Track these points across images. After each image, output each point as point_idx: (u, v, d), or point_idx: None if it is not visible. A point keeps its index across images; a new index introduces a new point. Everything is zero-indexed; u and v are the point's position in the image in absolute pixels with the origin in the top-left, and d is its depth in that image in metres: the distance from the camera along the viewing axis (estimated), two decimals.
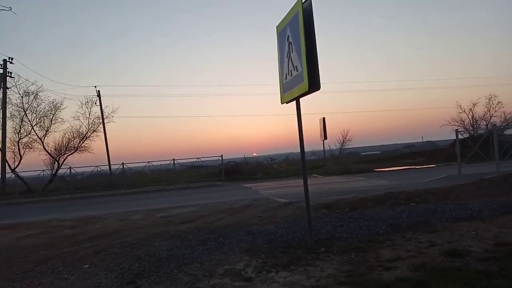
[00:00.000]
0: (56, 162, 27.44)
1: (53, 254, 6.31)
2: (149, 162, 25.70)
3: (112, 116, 30.72)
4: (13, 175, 25.31)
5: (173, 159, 24.66)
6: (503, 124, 29.13)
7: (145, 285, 4.25)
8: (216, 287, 4.05)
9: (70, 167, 24.83)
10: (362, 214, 7.35)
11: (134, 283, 4.35)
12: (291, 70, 5.44)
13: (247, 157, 42.71)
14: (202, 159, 26.71)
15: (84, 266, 5.24)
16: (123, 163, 25.06)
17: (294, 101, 5.58)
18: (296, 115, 5.57)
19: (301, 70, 5.00)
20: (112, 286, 4.32)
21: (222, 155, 25.10)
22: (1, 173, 26.00)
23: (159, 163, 26.86)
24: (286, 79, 5.68)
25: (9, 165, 26.28)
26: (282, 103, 5.94)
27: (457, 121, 32.56)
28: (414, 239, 5.31)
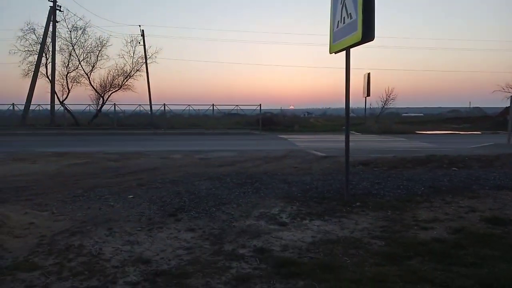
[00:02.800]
0: (101, 98, 28.47)
1: (100, 182, 6.73)
2: (189, 105, 26.17)
3: (155, 57, 31.03)
4: (62, 108, 26.63)
5: (213, 104, 24.94)
6: None
7: (185, 219, 4.49)
8: (251, 227, 4.21)
9: (114, 103, 25.76)
10: (401, 174, 7.24)
11: (175, 215, 4.60)
12: (344, 18, 5.18)
13: (284, 109, 42.42)
14: (240, 107, 26.84)
15: (129, 196, 5.57)
16: (164, 104, 25.63)
17: (344, 52, 5.37)
18: (344, 67, 5.38)
19: (356, 18, 4.75)
20: (154, 216, 4.59)
21: (260, 105, 25.10)
22: (50, 105, 27.38)
23: (198, 107, 27.29)
24: (337, 27, 5.43)
25: (58, 97, 27.54)
26: (330, 53, 5.74)
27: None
28: (454, 203, 5.21)
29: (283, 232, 4.05)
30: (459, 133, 23.54)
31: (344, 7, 5.18)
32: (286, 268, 3.07)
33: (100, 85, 28.48)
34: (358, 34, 4.72)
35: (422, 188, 6.07)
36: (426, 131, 24.46)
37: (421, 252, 3.38)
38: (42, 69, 27.02)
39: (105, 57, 28.59)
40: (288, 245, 3.66)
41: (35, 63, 26.60)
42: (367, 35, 4.64)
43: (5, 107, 25.54)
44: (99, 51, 28.11)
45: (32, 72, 26.64)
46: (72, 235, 3.90)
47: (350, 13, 4.98)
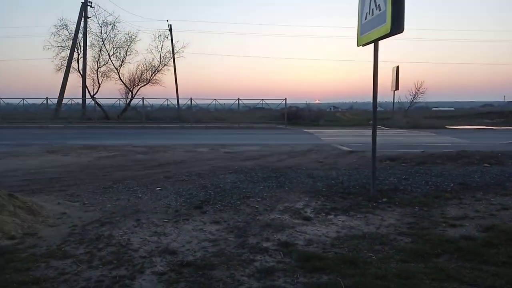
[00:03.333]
0: (130, 92, 29.08)
1: (128, 175, 6.91)
2: (215, 99, 26.38)
3: (183, 51, 31.39)
4: (92, 102, 27.42)
5: (238, 99, 25.02)
6: None
7: (211, 212, 4.55)
8: (275, 221, 4.22)
9: (143, 98, 26.27)
10: (429, 170, 7.07)
11: (200, 208, 4.67)
12: (372, 9, 5.07)
13: (310, 103, 42.00)
14: (265, 101, 26.81)
15: (156, 189, 5.70)
16: (191, 98, 25.92)
17: (372, 44, 5.26)
18: (372, 60, 5.28)
19: (384, 10, 4.64)
20: (181, 208, 4.68)
21: (285, 99, 24.99)
22: (82, 99, 28.24)
23: (224, 101, 27.44)
24: (365, 19, 5.33)
25: (89, 91, 28.36)
26: (358, 46, 5.64)
27: None
28: (485, 200, 5.05)
29: (307, 227, 4.04)
30: (492, 128, 22.70)
31: None
32: (310, 262, 3.07)
33: (129, 80, 29.10)
34: (387, 26, 4.61)
35: (452, 185, 5.91)
36: (457, 126, 23.73)
37: (449, 250, 3.31)
38: (74, 64, 27.90)
39: (134, 52, 29.17)
40: (312, 239, 3.66)
41: (67, 58, 27.47)
42: (396, 27, 4.54)
43: (39, 101, 26.52)
44: (128, 46, 28.71)
45: (65, 67, 27.54)
46: (102, 226, 4.03)
47: (379, 5, 4.87)
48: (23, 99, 26.17)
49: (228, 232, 3.85)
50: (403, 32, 4.61)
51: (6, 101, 26.94)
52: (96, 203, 4.97)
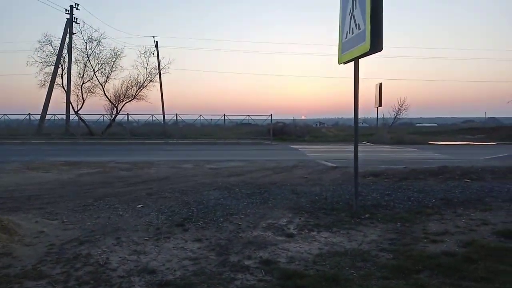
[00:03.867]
0: (115, 108, 28.87)
1: (110, 192, 6.80)
2: (201, 115, 26.38)
3: (168, 68, 31.47)
4: (76, 117, 27.09)
5: (224, 114, 25.08)
6: None
7: (193, 229, 4.49)
8: (258, 238, 4.19)
9: (127, 113, 26.11)
10: (411, 185, 7.15)
11: (182, 226, 4.61)
12: (352, 28, 5.19)
13: (296, 119, 42.35)
14: (251, 117, 26.91)
15: (138, 206, 5.61)
16: (176, 114, 25.90)
17: (352, 62, 5.36)
18: (353, 77, 5.38)
19: (364, 29, 4.75)
20: (162, 226, 4.61)
21: (271, 114, 25.13)
22: (65, 114, 27.89)
23: (210, 117, 27.46)
24: (346, 37, 5.44)
25: (73, 107, 28.06)
26: (339, 63, 5.74)
27: None
28: (465, 216, 5.11)
29: (290, 244, 4.02)
30: (473, 144, 23.16)
31: (352, 18, 5.19)
32: (291, 280, 3.05)
33: (114, 95, 28.92)
34: (366, 44, 4.71)
35: (433, 200, 5.98)
36: (440, 141, 24.13)
37: (430, 266, 3.32)
38: (58, 80, 27.67)
39: (120, 68, 29.08)
40: (294, 257, 3.64)
41: (51, 73, 27.22)
42: (375, 45, 4.64)
43: (22, 117, 26.09)
44: (114, 62, 28.62)
45: (49, 83, 27.29)
46: (81, 244, 3.94)
47: (358, 24, 4.99)
48: (5, 114, 25.73)
49: (210, 250, 3.80)
50: (384, 50, 4.72)
51: None
52: (76, 221, 4.86)
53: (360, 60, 5.25)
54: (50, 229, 4.50)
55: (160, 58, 31.81)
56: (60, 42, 27.18)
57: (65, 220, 4.88)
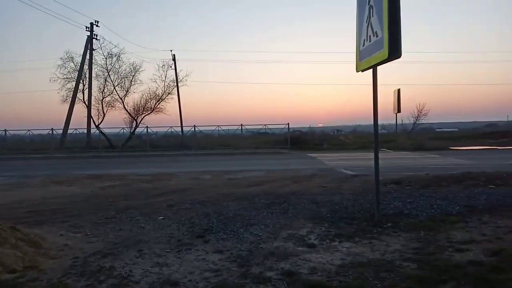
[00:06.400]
0: (135, 121, 29.36)
1: (132, 204, 6.89)
2: (218, 126, 26.59)
3: (186, 80, 31.84)
4: (97, 131, 27.69)
5: (241, 125, 25.19)
6: None
7: (213, 240, 4.51)
8: (279, 249, 4.17)
9: (147, 126, 26.56)
10: (434, 192, 7.00)
11: (203, 237, 4.63)
12: (369, 36, 5.17)
13: (313, 127, 42.17)
14: (268, 126, 26.96)
15: (159, 218, 5.67)
16: (194, 126, 26.20)
17: (370, 70, 5.33)
18: (372, 85, 5.34)
19: (381, 36, 4.73)
20: (183, 238, 4.64)
21: (288, 124, 25.12)
22: (86, 128, 28.54)
23: (227, 127, 27.65)
24: (363, 45, 5.42)
25: (94, 121, 28.69)
26: (357, 71, 5.71)
27: None
28: (491, 223, 4.97)
29: (311, 254, 3.98)
30: (496, 148, 22.58)
31: (369, 25, 5.18)
32: None
33: (134, 109, 29.41)
34: (384, 52, 4.69)
35: (457, 207, 5.83)
36: (461, 147, 23.62)
37: (456, 276, 3.23)
38: (79, 95, 28.39)
39: (138, 81, 29.57)
40: (316, 267, 3.60)
41: (73, 89, 27.96)
42: (394, 53, 4.61)
43: (45, 132, 26.84)
44: (133, 76, 29.15)
45: (70, 98, 28.02)
46: (104, 257, 3.99)
47: (376, 32, 4.97)
48: (29, 130, 26.53)
49: (231, 262, 3.80)
50: (405, 55, 4.67)
51: (13, 132, 27.32)
52: (99, 233, 4.95)
53: (379, 66, 5.21)
54: (74, 242, 4.59)
55: (177, 71, 32.26)
56: (81, 58, 27.97)
57: (88, 233, 4.97)
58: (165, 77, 30.15)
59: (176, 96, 32.64)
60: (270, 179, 10.03)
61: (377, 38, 4.89)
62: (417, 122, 32.30)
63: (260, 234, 4.74)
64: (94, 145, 27.00)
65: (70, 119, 28.05)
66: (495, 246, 4.05)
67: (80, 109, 29.13)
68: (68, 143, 28.40)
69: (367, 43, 5.28)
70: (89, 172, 12.61)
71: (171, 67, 31.62)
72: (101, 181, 10.26)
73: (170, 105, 33.88)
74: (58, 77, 28.08)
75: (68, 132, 28.10)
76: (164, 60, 32.29)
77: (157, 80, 30.23)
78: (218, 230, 4.92)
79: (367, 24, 5.25)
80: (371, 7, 5.10)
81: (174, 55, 32.78)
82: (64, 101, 28.27)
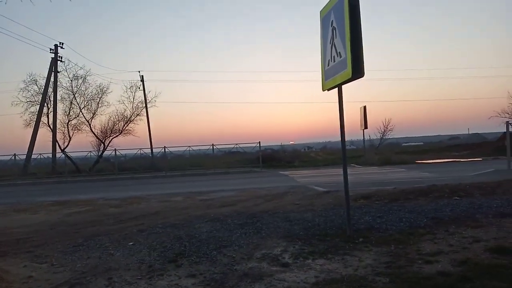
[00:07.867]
0: (102, 144, 28.72)
1: (100, 230, 6.67)
2: (189, 146, 26.32)
3: (155, 101, 31.64)
4: (63, 155, 26.81)
5: (212, 144, 25.10)
6: None
7: (186, 265, 4.42)
8: (253, 270, 4.14)
9: (115, 149, 25.92)
10: (402, 206, 7.19)
11: (175, 261, 4.54)
12: (334, 56, 5.34)
13: (284, 145, 42.57)
14: (240, 145, 26.98)
15: (129, 244, 5.51)
16: (164, 147, 25.80)
17: (336, 89, 5.50)
18: (337, 103, 5.50)
19: (345, 57, 4.90)
20: (155, 263, 4.53)
21: (260, 142, 25.24)
22: (52, 153, 27.58)
23: (198, 147, 27.46)
24: (328, 65, 5.59)
25: (59, 145, 27.82)
26: (323, 90, 5.87)
27: (508, 113, 30.73)
28: (457, 234, 5.15)
29: (285, 274, 3.98)
30: (459, 161, 23.53)
31: (333, 46, 5.36)
32: None
33: (101, 131, 28.83)
34: (348, 71, 4.85)
35: (425, 220, 6.01)
36: (426, 160, 24.47)
37: (427, 287, 3.32)
38: (43, 119, 27.56)
39: (106, 103, 29.13)
40: (291, 287, 3.59)
41: (36, 113, 27.11)
42: (357, 72, 4.78)
43: (7, 157, 25.71)
44: (100, 98, 28.70)
45: (34, 122, 27.11)
46: (71, 287, 3.83)
47: (339, 52, 5.14)
48: None
49: (204, 286, 3.73)
50: (371, 73, 4.86)
51: None
52: (66, 263, 4.75)
53: (344, 85, 5.38)
54: (39, 273, 4.38)
55: (146, 92, 32.06)
56: (45, 81, 27.25)
57: (54, 263, 4.76)
58: (134, 98, 29.92)
59: (145, 118, 32.35)
60: (243, 198, 10.00)
61: (341, 58, 5.07)
62: (384, 137, 33.35)
63: (234, 255, 4.70)
64: (60, 170, 26.07)
65: (34, 143, 27.08)
66: (462, 256, 4.19)
67: (44, 133, 28.32)
68: (32, 169, 27.29)
69: (331, 63, 5.45)
70: (54, 199, 12.14)
71: (139, 88, 31.43)
72: (67, 208, 9.90)
73: (139, 126, 33.47)
74: (20, 100, 27.27)
75: (32, 157, 27.03)
76: (132, 81, 32.20)
77: (125, 102, 29.84)
78: (190, 253, 4.84)
79: (331, 45, 5.43)
80: (334, 28, 5.30)
81: (142, 76, 32.63)
82: (28, 125, 27.42)
